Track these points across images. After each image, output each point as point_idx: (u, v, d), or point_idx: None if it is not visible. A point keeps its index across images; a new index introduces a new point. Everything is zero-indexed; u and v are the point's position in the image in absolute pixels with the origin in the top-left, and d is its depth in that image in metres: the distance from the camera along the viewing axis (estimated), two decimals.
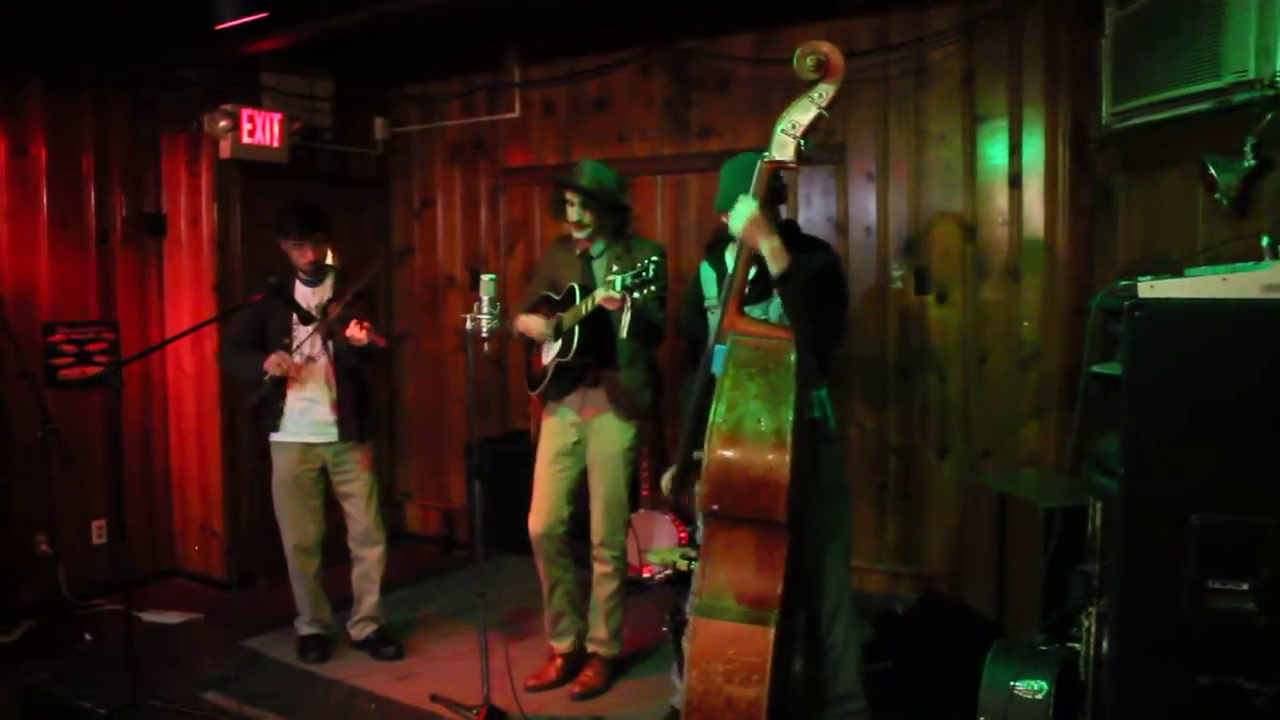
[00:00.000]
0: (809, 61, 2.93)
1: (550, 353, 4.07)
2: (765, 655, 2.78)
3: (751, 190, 3.05)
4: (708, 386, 3.03)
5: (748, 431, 2.81)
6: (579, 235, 4.05)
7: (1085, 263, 4.63)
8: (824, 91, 2.95)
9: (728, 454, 2.81)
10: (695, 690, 2.83)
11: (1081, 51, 4.46)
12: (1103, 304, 2.72)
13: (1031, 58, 4.65)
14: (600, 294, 3.69)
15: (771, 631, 2.80)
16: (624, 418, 4.07)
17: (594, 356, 3.99)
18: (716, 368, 2.99)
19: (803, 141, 2.98)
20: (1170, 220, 3.83)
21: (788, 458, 2.77)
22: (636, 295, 3.52)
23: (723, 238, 3.44)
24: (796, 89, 3.00)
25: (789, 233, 3.24)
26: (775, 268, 3.05)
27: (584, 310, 3.84)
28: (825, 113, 2.96)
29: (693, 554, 3.16)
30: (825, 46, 2.94)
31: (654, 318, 3.89)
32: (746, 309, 3.14)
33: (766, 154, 3.02)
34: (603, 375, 4.06)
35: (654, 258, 3.51)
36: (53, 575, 5.00)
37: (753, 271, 3.17)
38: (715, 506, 2.86)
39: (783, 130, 2.98)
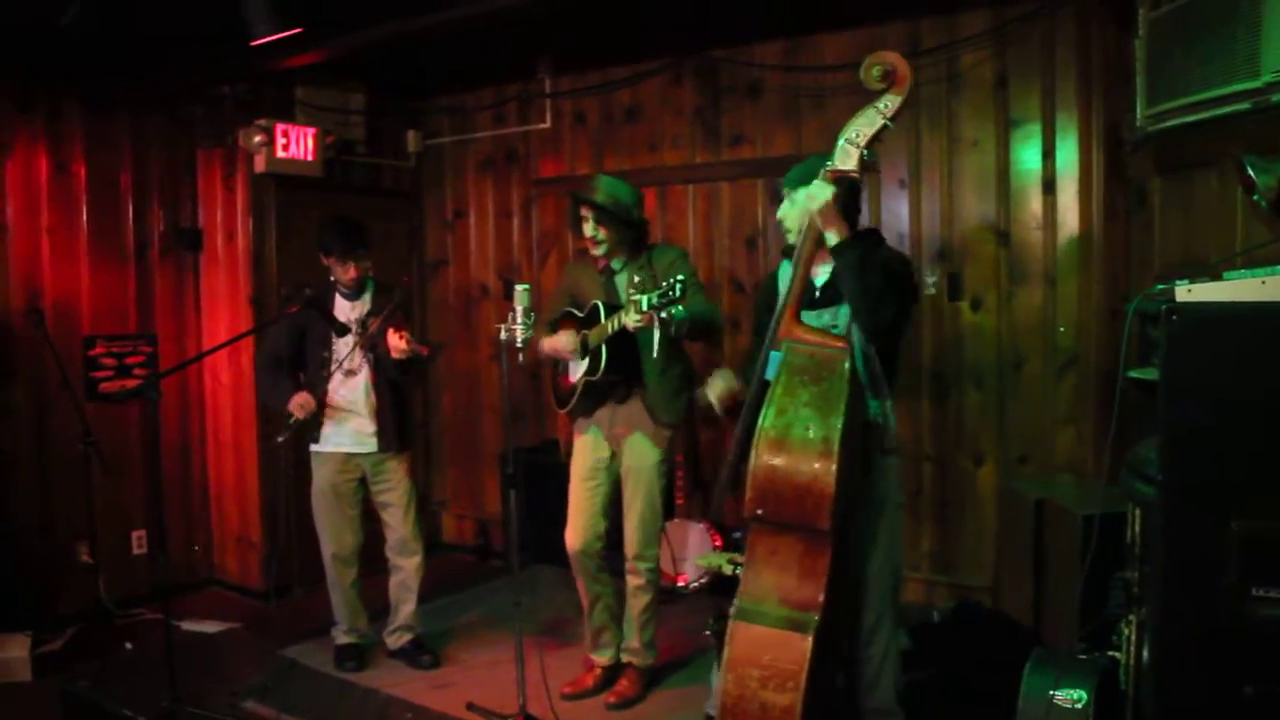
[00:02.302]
0: (875, 71, 2.89)
1: (578, 371, 4.08)
2: (802, 662, 2.75)
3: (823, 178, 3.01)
4: (760, 392, 3.00)
5: (795, 438, 2.79)
6: (596, 252, 4.04)
7: (1121, 267, 4.58)
8: (890, 102, 2.90)
9: (774, 460, 2.80)
10: (730, 694, 2.81)
11: (1114, 54, 4.42)
12: (1139, 308, 2.68)
13: (1064, 61, 4.61)
14: (625, 316, 3.63)
15: (810, 639, 2.78)
16: (655, 432, 4.07)
17: (622, 374, 3.99)
18: (770, 374, 2.98)
19: (865, 152, 2.95)
20: (1207, 223, 3.77)
21: (834, 466, 2.75)
22: (663, 315, 3.50)
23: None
24: (860, 97, 2.97)
25: (870, 236, 3.22)
26: (835, 239, 3.00)
27: (610, 329, 3.83)
28: (890, 123, 2.92)
29: (740, 559, 3.14)
30: (892, 56, 2.89)
31: (703, 312, 3.82)
32: (816, 314, 3.14)
33: (829, 163, 2.98)
34: (632, 391, 4.06)
35: (680, 276, 3.43)
36: (94, 584, 5.06)
37: (823, 279, 3.15)
38: (760, 512, 2.85)
39: (846, 140, 2.95)
